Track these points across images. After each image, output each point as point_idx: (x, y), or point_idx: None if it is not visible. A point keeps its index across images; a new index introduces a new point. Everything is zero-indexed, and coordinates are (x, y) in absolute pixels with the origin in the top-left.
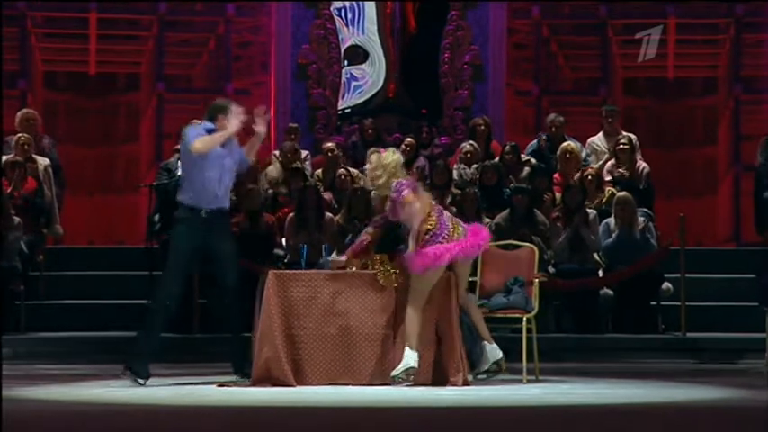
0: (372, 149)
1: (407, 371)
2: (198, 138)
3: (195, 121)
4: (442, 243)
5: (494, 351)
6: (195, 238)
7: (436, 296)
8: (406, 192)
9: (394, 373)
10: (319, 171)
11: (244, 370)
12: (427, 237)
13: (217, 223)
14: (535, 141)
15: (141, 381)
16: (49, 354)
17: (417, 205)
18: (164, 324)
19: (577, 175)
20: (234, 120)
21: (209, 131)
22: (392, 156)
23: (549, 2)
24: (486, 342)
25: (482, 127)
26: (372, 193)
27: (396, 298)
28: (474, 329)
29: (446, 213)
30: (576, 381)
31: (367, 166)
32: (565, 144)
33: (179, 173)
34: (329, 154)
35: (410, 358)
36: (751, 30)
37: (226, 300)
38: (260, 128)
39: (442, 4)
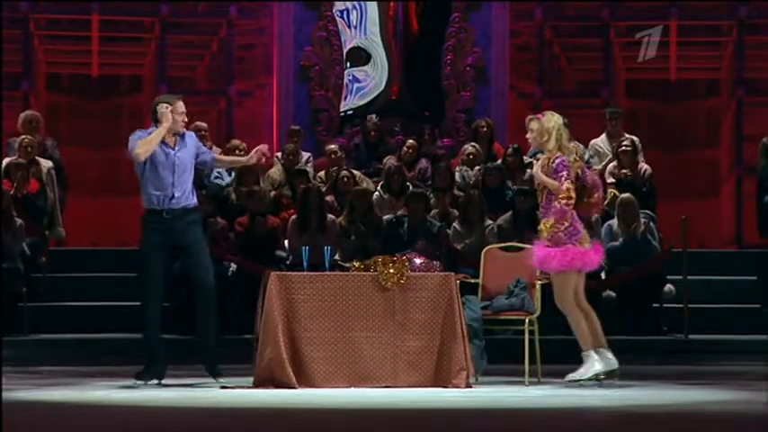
0: (530, 116)
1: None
2: (139, 142)
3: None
4: (575, 245)
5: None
6: (161, 239)
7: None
8: (565, 185)
9: (574, 377)
10: (322, 173)
11: (216, 372)
12: (562, 233)
13: (182, 223)
14: None
15: (142, 382)
16: (52, 356)
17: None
18: (159, 326)
19: None
20: (165, 114)
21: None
22: (552, 118)
23: (552, 3)
24: (602, 349)
25: (484, 129)
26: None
27: (397, 299)
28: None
29: (574, 213)
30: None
31: (528, 135)
32: None
33: None
34: (332, 156)
35: (591, 363)
36: (754, 32)
37: (200, 300)
38: (255, 155)
39: (445, 6)
